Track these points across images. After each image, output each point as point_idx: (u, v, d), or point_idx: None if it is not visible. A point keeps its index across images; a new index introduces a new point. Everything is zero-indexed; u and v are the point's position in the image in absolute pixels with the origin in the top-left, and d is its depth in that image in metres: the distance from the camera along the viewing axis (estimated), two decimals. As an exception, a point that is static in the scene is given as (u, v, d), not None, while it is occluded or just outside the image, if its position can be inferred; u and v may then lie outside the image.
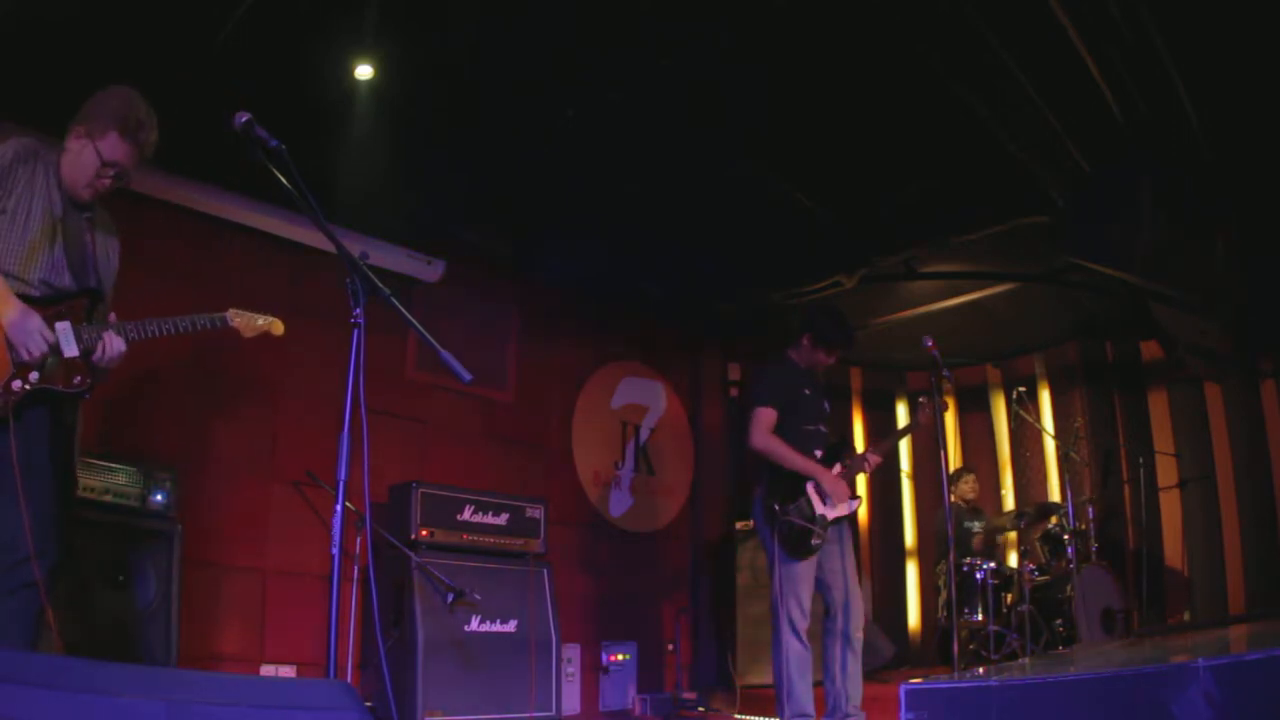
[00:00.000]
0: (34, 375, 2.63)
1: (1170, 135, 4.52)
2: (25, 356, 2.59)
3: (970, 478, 7.09)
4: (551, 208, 5.62)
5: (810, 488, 4.25)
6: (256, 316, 3.07)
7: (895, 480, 8.06)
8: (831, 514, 4.25)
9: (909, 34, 4.01)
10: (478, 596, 4.64)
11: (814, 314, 4.60)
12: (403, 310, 2.57)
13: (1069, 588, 5.92)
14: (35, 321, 2.61)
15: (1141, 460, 6.67)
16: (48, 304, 2.69)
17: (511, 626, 4.86)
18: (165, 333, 2.87)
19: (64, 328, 2.68)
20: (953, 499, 6.83)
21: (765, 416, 4.32)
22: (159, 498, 3.92)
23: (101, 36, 3.80)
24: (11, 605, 2.50)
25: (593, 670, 6.08)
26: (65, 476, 2.80)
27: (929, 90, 4.34)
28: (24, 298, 2.63)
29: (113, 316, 2.85)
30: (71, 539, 3.48)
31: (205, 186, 4.68)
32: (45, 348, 2.62)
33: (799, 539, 4.18)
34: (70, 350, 2.69)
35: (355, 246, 2.63)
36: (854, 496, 4.36)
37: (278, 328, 3.11)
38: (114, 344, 2.76)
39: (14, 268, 2.65)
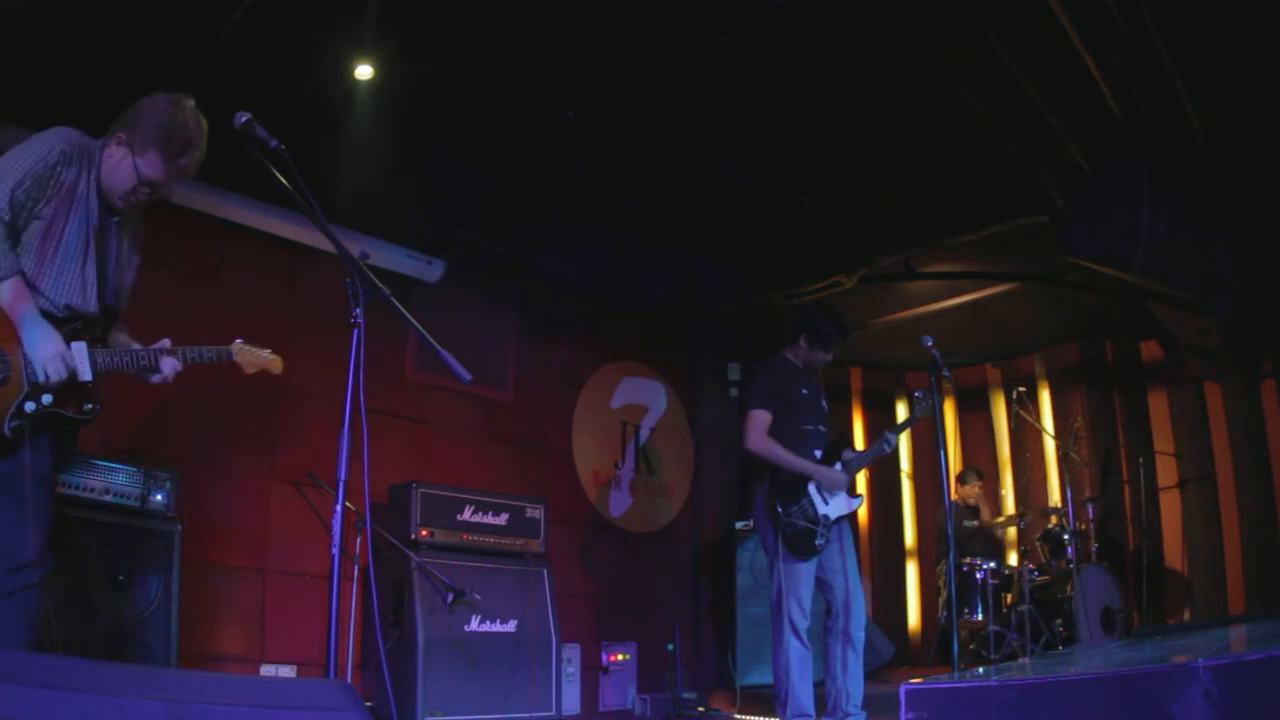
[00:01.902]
0: (47, 398, 2.56)
1: (1170, 135, 4.52)
2: (43, 379, 2.53)
3: (979, 482, 7.09)
4: (551, 208, 5.61)
5: (812, 488, 4.25)
6: (260, 351, 2.98)
7: (895, 480, 8.06)
8: (834, 514, 4.25)
9: (909, 34, 4.01)
10: (478, 596, 4.64)
11: (809, 313, 4.59)
12: (403, 310, 2.57)
13: (1069, 588, 5.92)
14: (58, 345, 2.54)
15: (1141, 460, 6.67)
16: (64, 323, 2.61)
17: (511, 626, 4.86)
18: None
19: (80, 348, 2.61)
20: (955, 497, 6.86)
21: (759, 419, 4.33)
22: (159, 498, 3.91)
23: (101, 37, 3.80)
24: (11, 607, 2.50)
25: (593, 670, 6.07)
26: (54, 488, 2.76)
27: (929, 90, 4.34)
28: (44, 315, 2.56)
29: (166, 341, 2.83)
30: (71, 539, 3.50)
31: (205, 186, 4.67)
32: (65, 374, 2.54)
33: (803, 540, 4.18)
34: (85, 374, 2.61)
35: (355, 246, 2.63)
36: (855, 495, 4.37)
37: (278, 365, 3.02)
38: (169, 366, 2.77)
39: (41, 283, 2.57)
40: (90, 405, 2.67)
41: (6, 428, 2.50)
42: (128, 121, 2.68)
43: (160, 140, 2.64)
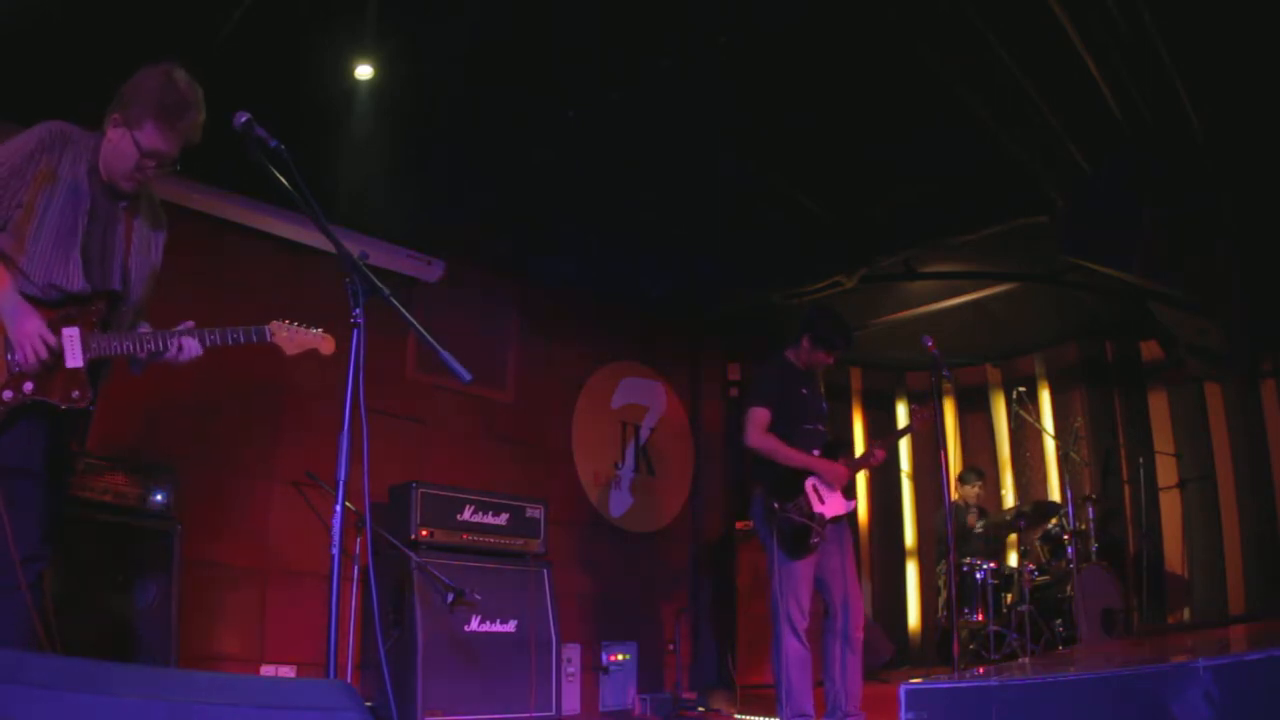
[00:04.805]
0: (28, 385, 2.48)
1: (1170, 135, 4.52)
2: (22, 360, 2.46)
3: (980, 483, 7.09)
4: (551, 207, 5.62)
5: (809, 486, 4.25)
6: (305, 330, 2.74)
7: (895, 480, 8.06)
8: (830, 513, 4.25)
9: (909, 34, 4.01)
10: (478, 596, 4.64)
11: (813, 315, 4.59)
12: (403, 310, 2.56)
13: (1069, 588, 5.92)
14: (34, 326, 2.46)
15: (1141, 460, 6.67)
16: (55, 308, 2.54)
17: (511, 626, 4.86)
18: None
19: (71, 334, 2.53)
20: (955, 497, 6.86)
21: (759, 416, 4.33)
22: (159, 498, 3.92)
23: (102, 36, 3.80)
24: (6, 608, 2.47)
25: (593, 670, 6.07)
26: (59, 482, 2.67)
27: (929, 90, 4.34)
28: (31, 300, 2.50)
29: (190, 323, 2.73)
30: (71, 539, 3.49)
31: (205, 186, 4.68)
32: (45, 354, 2.47)
33: (798, 537, 4.18)
34: (74, 360, 2.52)
35: (355, 246, 2.62)
36: (849, 497, 4.37)
37: (329, 345, 2.76)
38: (190, 347, 2.67)
39: (26, 266, 2.51)
40: (78, 393, 2.54)
41: None
42: (119, 101, 2.63)
43: (155, 109, 2.58)
